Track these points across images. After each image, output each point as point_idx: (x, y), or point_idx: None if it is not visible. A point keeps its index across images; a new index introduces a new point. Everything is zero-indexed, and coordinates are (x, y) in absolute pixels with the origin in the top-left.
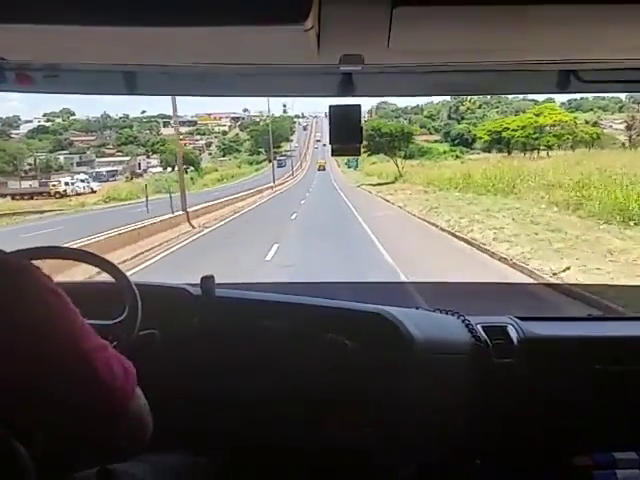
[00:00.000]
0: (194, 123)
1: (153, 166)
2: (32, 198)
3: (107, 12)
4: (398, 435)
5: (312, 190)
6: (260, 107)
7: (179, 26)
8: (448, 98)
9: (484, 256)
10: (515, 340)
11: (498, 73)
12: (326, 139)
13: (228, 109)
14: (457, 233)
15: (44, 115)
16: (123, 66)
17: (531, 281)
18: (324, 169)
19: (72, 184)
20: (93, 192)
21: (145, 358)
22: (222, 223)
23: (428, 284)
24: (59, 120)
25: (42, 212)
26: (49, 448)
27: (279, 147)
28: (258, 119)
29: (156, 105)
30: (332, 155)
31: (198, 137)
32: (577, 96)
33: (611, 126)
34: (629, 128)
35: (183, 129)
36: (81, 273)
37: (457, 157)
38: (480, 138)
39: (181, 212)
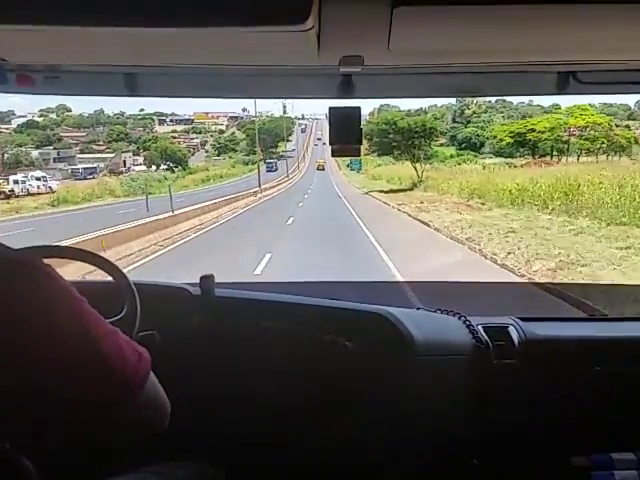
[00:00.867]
0: (191, 121)
1: (139, 164)
2: None
3: (108, 13)
4: (398, 435)
5: (308, 197)
6: (260, 107)
7: (179, 27)
8: (452, 101)
9: None
10: (516, 341)
11: (497, 75)
12: (326, 138)
13: (227, 108)
14: None
15: (40, 111)
16: (123, 67)
17: None
18: (323, 169)
19: (23, 183)
20: (52, 192)
21: None
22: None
23: (428, 284)
24: (53, 116)
25: None
26: (59, 448)
27: (276, 147)
28: (257, 119)
29: (155, 104)
30: (332, 156)
31: (194, 135)
32: (586, 102)
33: None
34: None
35: (179, 127)
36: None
37: (470, 161)
38: (501, 140)
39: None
